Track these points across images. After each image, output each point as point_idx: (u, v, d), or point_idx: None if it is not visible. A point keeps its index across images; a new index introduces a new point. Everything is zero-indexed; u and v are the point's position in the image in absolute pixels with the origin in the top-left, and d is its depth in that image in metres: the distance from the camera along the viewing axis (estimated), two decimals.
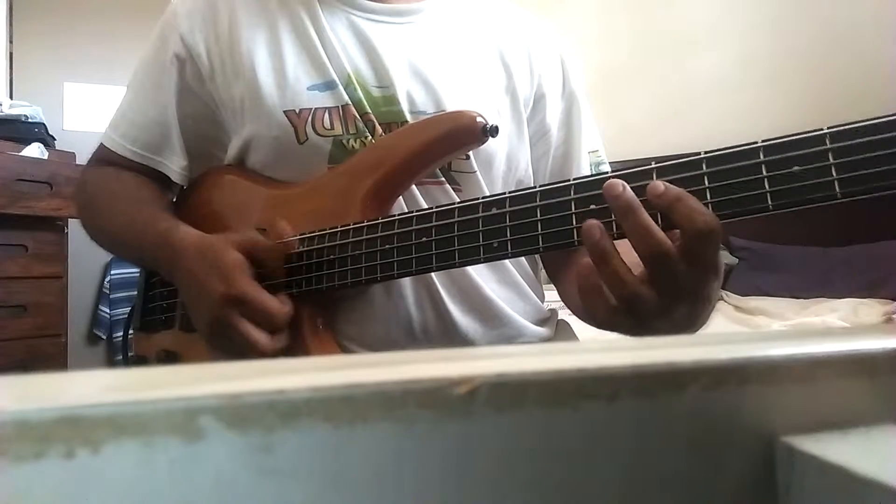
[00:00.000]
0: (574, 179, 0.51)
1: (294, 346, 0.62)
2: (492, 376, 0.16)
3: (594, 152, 0.77)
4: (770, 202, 0.43)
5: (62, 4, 3.09)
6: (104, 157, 0.77)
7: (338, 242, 0.61)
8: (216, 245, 0.61)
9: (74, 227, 2.17)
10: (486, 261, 0.54)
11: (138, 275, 0.82)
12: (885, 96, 1.93)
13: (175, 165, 0.75)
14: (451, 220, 0.55)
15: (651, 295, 0.46)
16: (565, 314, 0.76)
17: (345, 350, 0.65)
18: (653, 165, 0.47)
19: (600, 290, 0.48)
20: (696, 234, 0.44)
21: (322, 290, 0.62)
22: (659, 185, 0.45)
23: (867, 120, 0.40)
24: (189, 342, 0.70)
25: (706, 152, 0.46)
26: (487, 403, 0.16)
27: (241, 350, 0.58)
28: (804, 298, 1.98)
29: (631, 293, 0.46)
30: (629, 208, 0.45)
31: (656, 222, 0.46)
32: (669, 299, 0.47)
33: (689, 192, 0.45)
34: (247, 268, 0.60)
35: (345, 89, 0.66)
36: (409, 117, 0.66)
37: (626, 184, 0.46)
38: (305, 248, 0.63)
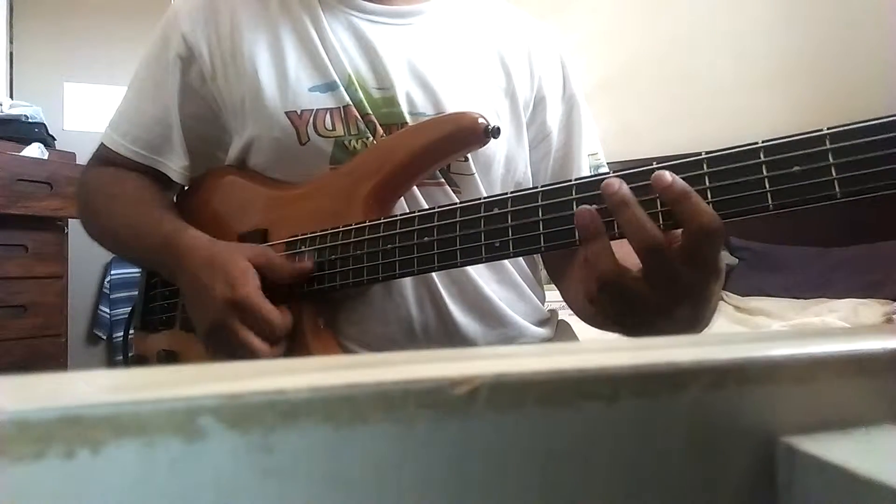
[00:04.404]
0: (575, 179, 0.51)
1: (295, 346, 0.62)
2: (492, 376, 0.16)
3: (593, 155, 0.77)
4: (770, 202, 0.43)
5: (62, 4, 3.09)
6: (105, 157, 0.77)
7: (339, 242, 0.61)
8: (226, 251, 0.62)
9: (74, 227, 2.17)
10: (487, 260, 0.54)
11: (139, 275, 0.82)
12: (884, 96, 1.93)
13: (175, 165, 0.75)
14: (454, 220, 0.55)
15: (647, 291, 0.46)
16: (565, 315, 0.76)
17: (345, 350, 0.65)
18: (654, 165, 0.47)
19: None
20: (700, 233, 0.44)
21: (324, 290, 0.62)
22: (666, 175, 0.45)
23: (867, 120, 0.40)
24: (189, 342, 0.70)
25: (707, 152, 0.46)
26: (487, 403, 0.16)
27: (238, 356, 0.58)
28: (804, 298, 1.98)
29: (621, 280, 0.47)
30: (623, 202, 0.46)
31: (658, 220, 0.46)
32: (670, 299, 0.47)
33: None
34: (254, 277, 0.60)
35: (346, 90, 0.66)
36: (408, 119, 0.66)
37: (623, 182, 0.47)
38: (307, 249, 0.63)
